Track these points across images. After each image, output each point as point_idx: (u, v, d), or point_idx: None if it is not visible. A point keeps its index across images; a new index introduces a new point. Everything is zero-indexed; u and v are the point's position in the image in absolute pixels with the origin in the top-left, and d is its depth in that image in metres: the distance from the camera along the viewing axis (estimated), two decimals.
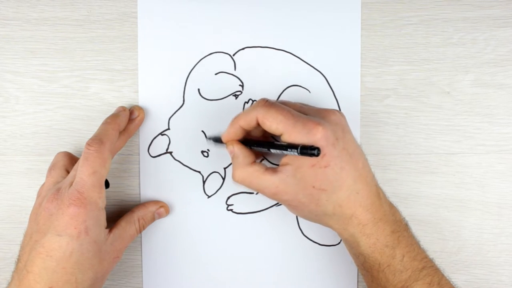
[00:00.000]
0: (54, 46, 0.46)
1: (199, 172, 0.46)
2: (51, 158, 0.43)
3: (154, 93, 0.46)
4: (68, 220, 0.37)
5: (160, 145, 0.46)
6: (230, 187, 0.46)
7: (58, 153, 0.43)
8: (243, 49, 0.45)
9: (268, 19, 0.45)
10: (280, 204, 0.46)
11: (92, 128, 0.45)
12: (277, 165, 0.40)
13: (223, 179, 0.46)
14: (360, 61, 0.45)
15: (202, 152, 0.46)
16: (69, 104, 0.46)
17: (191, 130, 0.46)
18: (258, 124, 0.38)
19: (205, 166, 0.46)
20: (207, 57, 0.45)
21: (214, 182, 0.46)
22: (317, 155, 0.34)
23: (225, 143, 0.40)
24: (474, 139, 0.45)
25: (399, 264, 0.37)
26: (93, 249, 0.38)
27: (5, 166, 0.46)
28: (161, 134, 0.46)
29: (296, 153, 0.35)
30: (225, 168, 0.46)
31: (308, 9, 0.45)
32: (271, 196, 0.38)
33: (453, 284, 0.38)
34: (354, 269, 0.46)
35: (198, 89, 0.46)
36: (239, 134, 0.39)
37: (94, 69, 0.46)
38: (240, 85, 0.45)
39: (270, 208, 0.46)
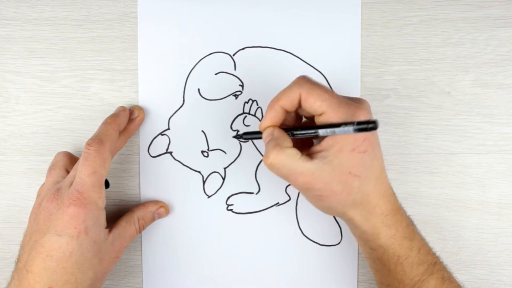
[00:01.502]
0: (54, 46, 0.46)
1: (199, 172, 0.46)
2: (51, 158, 0.43)
3: (154, 93, 0.46)
4: (68, 220, 0.37)
5: (160, 145, 0.46)
6: (230, 187, 0.46)
7: (58, 153, 0.43)
8: (243, 49, 0.45)
9: (268, 19, 0.45)
10: (280, 204, 0.46)
11: (92, 128, 0.45)
12: None
13: (223, 179, 0.46)
14: (360, 61, 0.45)
15: (202, 152, 0.46)
16: (69, 104, 0.46)
17: (191, 130, 0.46)
18: (298, 104, 0.36)
19: (205, 166, 0.46)
20: (207, 57, 0.45)
21: (214, 182, 0.46)
22: (375, 129, 0.33)
23: (262, 131, 0.38)
24: (474, 139, 0.45)
25: (416, 257, 0.37)
26: (93, 249, 0.38)
27: (5, 166, 0.46)
28: (161, 134, 0.46)
29: (351, 130, 0.34)
30: (225, 168, 0.46)
31: (308, 9, 0.45)
32: (303, 184, 0.36)
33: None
34: (354, 269, 0.46)
35: (198, 89, 0.46)
36: (280, 118, 0.37)
37: (94, 69, 0.46)
38: (240, 85, 0.45)
39: (270, 208, 0.46)
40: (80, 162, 0.39)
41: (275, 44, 0.45)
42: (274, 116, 0.37)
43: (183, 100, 0.46)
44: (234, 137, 0.45)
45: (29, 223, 0.40)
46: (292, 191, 0.46)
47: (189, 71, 0.45)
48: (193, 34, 0.45)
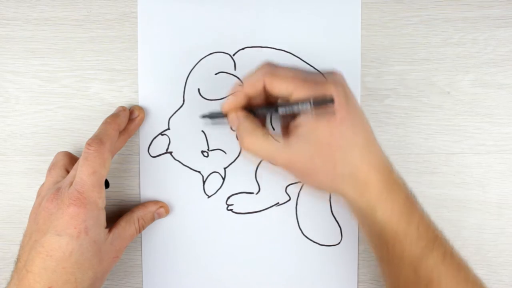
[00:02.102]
0: (54, 46, 0.46)
1: (199, 172, 0.46)
2: (51, 158, 0.43)
3: (154, 93, 0.46)
4: (68, 220, 0.37)
5: (160, 145, 0.46)
6: (230, 187, 0.46)
7: (58, 153, 0.43)
8: (243, 49, 0.45)
9: (268, 19, 0.45)
10: (280, 204, 0.46)
11: (92, 128, 0.45)
12: None
13: (223, 179, 0.46)
14: (360, 61, 0.45)
15: (202, 152, 0.46)
16: (69, 104, 0.46)
17: (191, 130, 0.46)
18: (263, 89, 0.36)
19: (205, 166, 0.46)
20: (207, 57, 0.45)
21: (214, 182, 0.46)
22: (332, 103, 0.33)
23: (226, 114, 0.38)
24: (474, 139, 0.45)
25: (415, 232, 0.36)
26: (93, 249, 0.38)
27: (5, 166, 0.46)
28: (161, 134, 0.46)
29: (308, 107, 0.34)
30: (225, 168, 0.46)
31: (308, 9, 0.45)
32: (284, 163, 0.36)
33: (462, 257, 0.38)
34: (354, 269, 0.46)
35: (198, 89, 0.46)
36: (241, 104, 0.38)
37: (94, 69, 0.46)
38: (240, 85, 0.45)
39: (270, 208, 0.46)
40: (80, 162, 0.39)
41: (275, 44, 0.45)
42: (235, 101, 0.38)
43: (183, 100, 0.46)
44: (202, 116, 0.43)
45: (29, 223, 0.40)
46: (292, 191, 0.46)
47: (189, 71, 0.45)
48: (193, 34, 0.45)
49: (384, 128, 0.46)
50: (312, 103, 0.34)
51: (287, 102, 0.36)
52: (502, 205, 0.46)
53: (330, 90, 0.35)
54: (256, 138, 0.36)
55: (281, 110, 0.36)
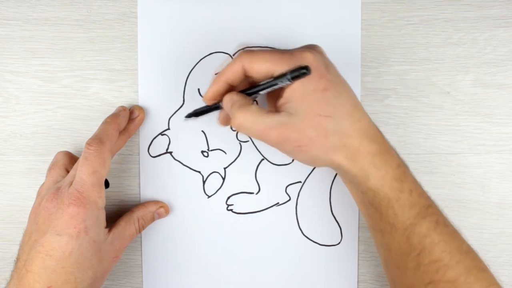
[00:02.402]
0: (54, 46, 0.46)
1: (199, 172, 0.46)
2: (51, 158, 0.43)
3: (154, 93, 0.46)
4: (67, 220, 0.37)
5: (160, 145, 0.46)
6: (230, 187, 0.46)
7: (58, 153, 0.43)
8: (243, 49, 0.45)
9: (268, 19, 0.45)
10: (280, 204, 0.46)
11: (92, 128, 0.45)
12: None
13: (223, 179, 0.46)
14: (360, 61, 0.45)
15: (202, 152, 0.46)
16: (69, 104, 0.46)
17: (191, 130, 0.46)
18: (244, 75, 0.37)
19: (205, 166, 0.46)
20: (207, 57, 0.45)
21: (214, 182, 0.46)
22: (309, 72, 0.33)
23: (209, 107, 0.39)
24: (474, 139, 0.45)
25: (407, 199, 0.36)
26: (93, 249, 0.38)
27: (5, 166, 0.46)
28: (161, 134, 0.46)
29: (288, 81, 0.34)
30: (225, 168, 0.46)
31: (308, 9, 0.45)
32: (277, 138, 0.36)
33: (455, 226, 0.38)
34: (354, 269, 0.46)
35: (198, 89, 0.46)
36: (222, 91, 0.38)
37: (94, 69, 0.46)
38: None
39: (270, 208, 0.46)
40: (80, 161, 0.39)
41: (275, 44, 0.45)
42: (217, 89, 0.38)
43: (183, 100, 0.46)
44: (187, 116, 0.43)
45: (29, 223, 0.40)
46: (292, 191, 0.46)
47: (189, 71, 0.45)
48: (193, 34, 0.45)
49: (384, 128, 0.45)
50: (289, 75, 0.34)
51: (267, 80, 0.36)
52: (502, 205, 0.46)
53: (308, 59, 0.35)
54: (250, 114, 0.36)
55: (263, 92, 0.36)
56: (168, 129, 0.46)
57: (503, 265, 0.46)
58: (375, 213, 0.38)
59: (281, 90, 0.36)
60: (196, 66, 0.45)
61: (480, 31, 0.45)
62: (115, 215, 0.44)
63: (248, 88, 0.38)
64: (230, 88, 0.39)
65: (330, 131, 0.36)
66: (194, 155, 0.46)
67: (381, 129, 0.45)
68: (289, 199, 0.46)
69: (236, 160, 0.46)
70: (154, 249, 0.46)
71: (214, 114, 0.42)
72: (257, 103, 0.45)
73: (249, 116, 0.36)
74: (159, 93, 0.46)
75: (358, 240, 0.46)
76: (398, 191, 0.36)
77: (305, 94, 0.35)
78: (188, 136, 0.46)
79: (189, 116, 0.43)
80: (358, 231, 0.46)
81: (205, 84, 0.45)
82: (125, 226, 0.42)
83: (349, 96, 0.37)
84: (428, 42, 0.45)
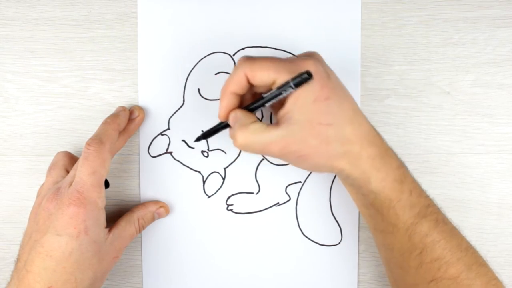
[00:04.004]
0: (54, 46, 0.46)
1: (199, 172, 0.46)
2: (51, 158, 0.43)
3: (154, 93, 0.46)
4: (67, 220, 0.37)
5: (160, 145, 0.46)
6: (230, 187, 0.46)
7: (58, 153, 0.43)
8: (243, 49, 0.45)
9: (268, 19, 0.45)
10: (280, 204, 0.46)
11: (92, 128, 0.45)
12: None
13: (223, 179, 0.46)
14: (360, 61, 0.45)
15: (202, 152, 0.46)
16: (69, 104, 0.46)
17: (191, 130, 0.46)
18: (248, 84, 0.37)
19: (205, 166, 0.46)
20: (207, 57, 0.45)
21: (214, 182, 0.46)
22: (311, 77, 0.34)
23: (223, 120, 0.39)
24: (474, 139, 0.45)
25: (408, 199, 0.37)
26: (93, 249, 0.38)
27: (5, 166, 0.46)
28: (161, 134, 0.46)
29: (291, 88, 0.34)
30: (225, 168, 0.46)
31: (308, 9, 0.45)
32: (279, 151, 0.36)
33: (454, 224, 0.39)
34: (354, 269, 0.46)
35: (198, 89, 0.46)
36: (234, 103, 0.38)
37: (94, 69, 0.46)
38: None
39: (270, 208, 0.46)
40: (80, 162, 0.39)
41: (275, 44, 0.45)
42: (227, 104, 0.38)
43: (183, 100, 0.46)
44: (197, 140, 0.43)
45: (29, 223, 0.40)
46: (292, 191, 0.46)
47: (189, 71, 0.45)
48: (193, 34, 0.45)
49: (384, 128, 0.46)
50: (292, 82, 0.34)
51: (271, 91, 0.36)
52: (502, 205, 0.46)
53: (310, 67, 0.35)
54: (250, 133, 0.36)
55: (268, 104, 0.37)
56: (168, 129, 0.46)
57: (503, 265, 0.46)
58: (376, 214, 0.38)
59: (283, 100, 0.36)
60: (196, 66, 0.45)
61: (480, 31, 0.45)
62: (115, 215, 0.44)
63: (253, 102, 0.38)
64: (239, 99, 0.39)
65: (332, 139, 0.36)
66: (194, 155, 0.46)
67: (381, 129, 0.45)
68: (289, 199, 0.46)
69: (236, 160, 0.46)
70: (154, 249, 0.46)
71: (213, 112, 0.42)
72: (262, 114, 0.45)
73: (249, 135, 0.36)
74: (159, 93, 0.46)
75: (358, 240, 0.46)
76: (399, 192, 0.37)
77: (307, 104, 0.35)
78: (188, 136, 0.46)
79: (199, 139, 0.42)
80: (358, 231, 0.46)
81: (205, 84, 0.45)
82: (125, 226, 0.42)
83: (350, 102, 0.37)
84: (428, 42, 0.45)
